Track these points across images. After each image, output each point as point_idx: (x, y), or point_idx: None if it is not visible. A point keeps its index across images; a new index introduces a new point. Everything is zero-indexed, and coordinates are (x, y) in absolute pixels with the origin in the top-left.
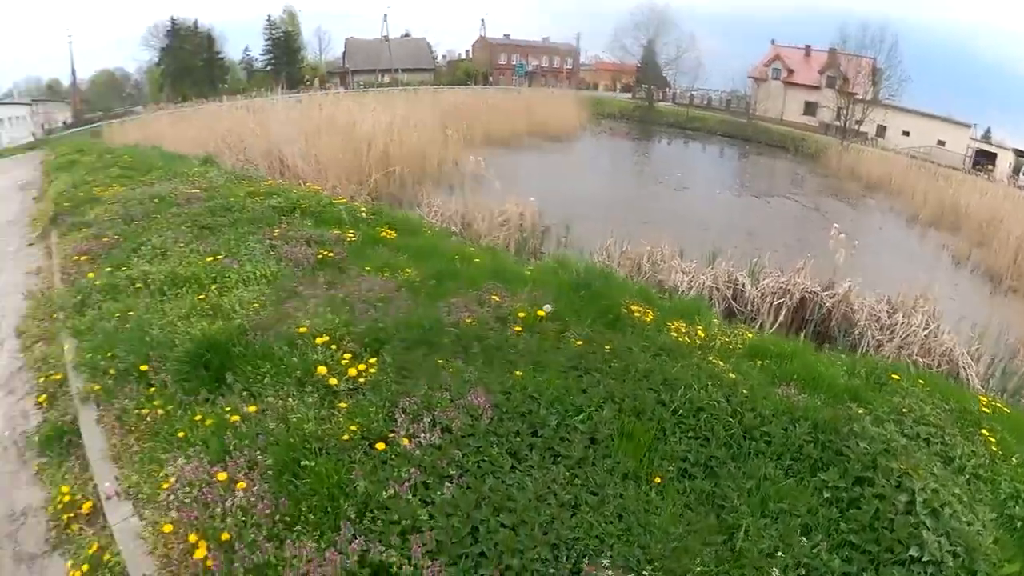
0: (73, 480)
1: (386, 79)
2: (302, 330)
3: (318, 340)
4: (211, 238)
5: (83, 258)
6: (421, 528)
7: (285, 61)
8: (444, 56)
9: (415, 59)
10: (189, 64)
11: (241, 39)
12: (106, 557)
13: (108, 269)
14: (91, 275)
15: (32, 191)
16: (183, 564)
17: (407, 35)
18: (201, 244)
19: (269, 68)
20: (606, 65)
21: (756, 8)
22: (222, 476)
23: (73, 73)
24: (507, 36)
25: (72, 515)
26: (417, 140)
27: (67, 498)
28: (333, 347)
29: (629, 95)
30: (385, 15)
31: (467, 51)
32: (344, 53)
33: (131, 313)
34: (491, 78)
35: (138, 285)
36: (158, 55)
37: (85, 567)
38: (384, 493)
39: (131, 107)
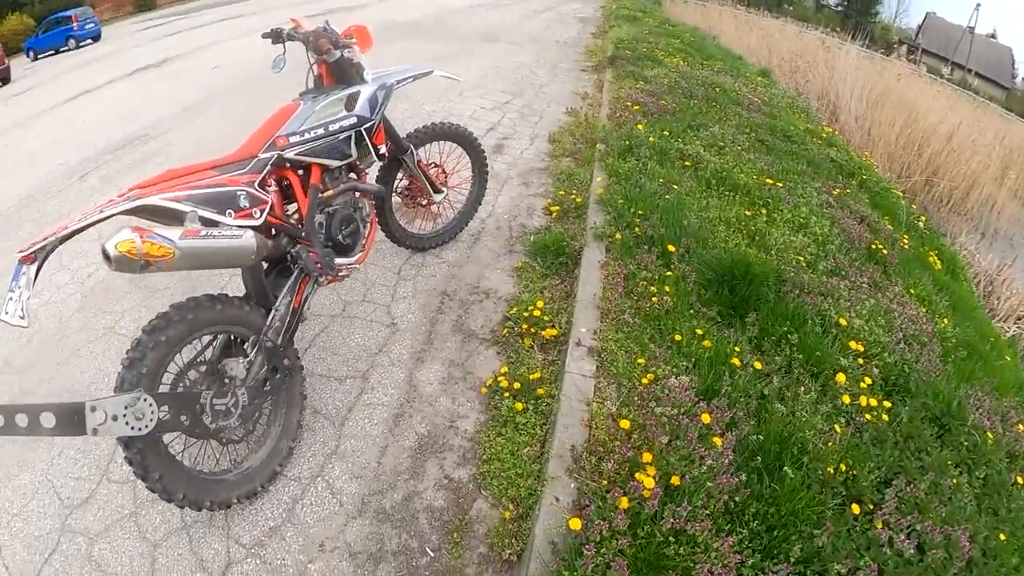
0: (548, 301)
1: (954, 73)
2: (842, 322)
3: (852, 344)
4: (768, 158)
5: (635, 107)
6: None
7: (858, 10)
8: None
9: (991, 68)
10: None
11: None
12: (540, 392)
13: (664, 132)
14: (640, 127)
15: (590, 27)
16: (619, 470)
17: (992, 36)
18: (759, 158)
19: (839, 9)
20: None
21: None
22: (706, 418)
23: None
24: None
25: (531, 329)
26: (976, 164)
27: (536, 312)
28: (860, 361)
29: None
30: (978, 4)
31: None
32: (920, 27)
33: (674, 187)
34: None
35: (687, 163)
36: None
37: (516, 377)
38: (837, 566)
39: None
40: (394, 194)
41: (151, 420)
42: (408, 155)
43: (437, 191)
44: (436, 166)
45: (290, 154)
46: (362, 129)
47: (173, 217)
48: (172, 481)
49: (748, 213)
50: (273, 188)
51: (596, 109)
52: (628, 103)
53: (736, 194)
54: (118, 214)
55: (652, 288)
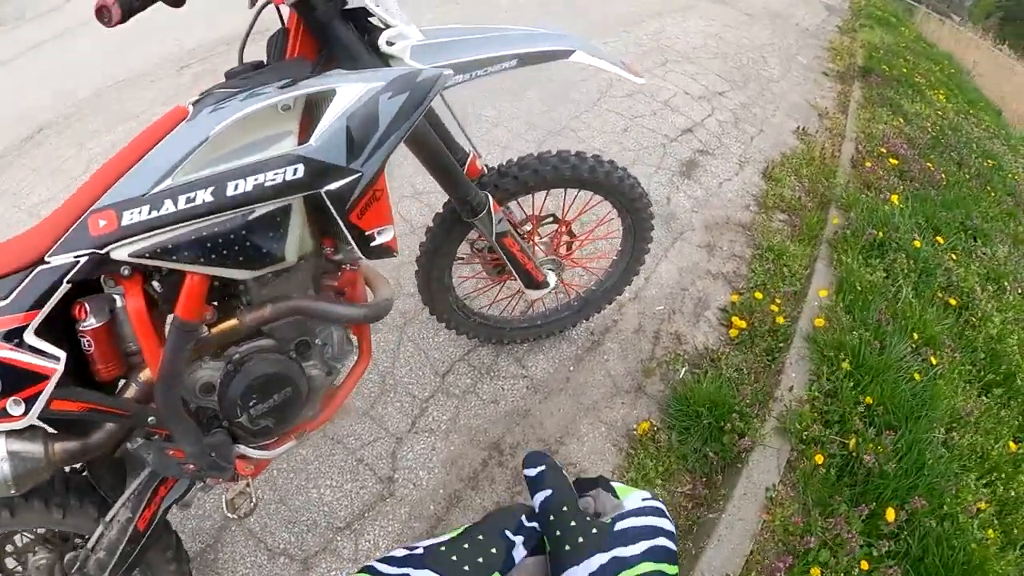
0: None
1: None
2: None
3: None
4: None
5: (891, 160)
6: None
7: None
8: None
9: None
10: None
11: None
12: None
13: (937, 238)
14: (896, 199)
15: (836, 18)
16: None
17: None
18: None
19: None
20: None
21: None
22: None
23: None
24: None
25: None
26: None
27: None
28: None
29: None
30: None
31: None
32: None
33: (932, 358)
34: None
35: (951, 301)
36: None
37: None
38: None
39: (949, 12)
40: (468, 244)
41: None
42: (483, 217)
43: (533, 285)
44: (555, 221)
45: (121, 253)
46: (321, 192)
47: None
48: None
49: (1019, 450)
50: (89, 323)
51: (836, 142)
52: (882, 149)
53: (1011, 398)
54: None
55: None
